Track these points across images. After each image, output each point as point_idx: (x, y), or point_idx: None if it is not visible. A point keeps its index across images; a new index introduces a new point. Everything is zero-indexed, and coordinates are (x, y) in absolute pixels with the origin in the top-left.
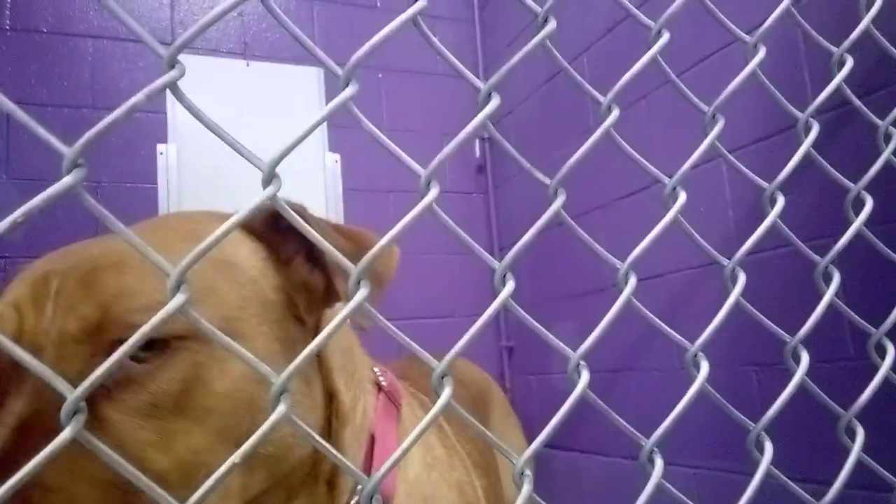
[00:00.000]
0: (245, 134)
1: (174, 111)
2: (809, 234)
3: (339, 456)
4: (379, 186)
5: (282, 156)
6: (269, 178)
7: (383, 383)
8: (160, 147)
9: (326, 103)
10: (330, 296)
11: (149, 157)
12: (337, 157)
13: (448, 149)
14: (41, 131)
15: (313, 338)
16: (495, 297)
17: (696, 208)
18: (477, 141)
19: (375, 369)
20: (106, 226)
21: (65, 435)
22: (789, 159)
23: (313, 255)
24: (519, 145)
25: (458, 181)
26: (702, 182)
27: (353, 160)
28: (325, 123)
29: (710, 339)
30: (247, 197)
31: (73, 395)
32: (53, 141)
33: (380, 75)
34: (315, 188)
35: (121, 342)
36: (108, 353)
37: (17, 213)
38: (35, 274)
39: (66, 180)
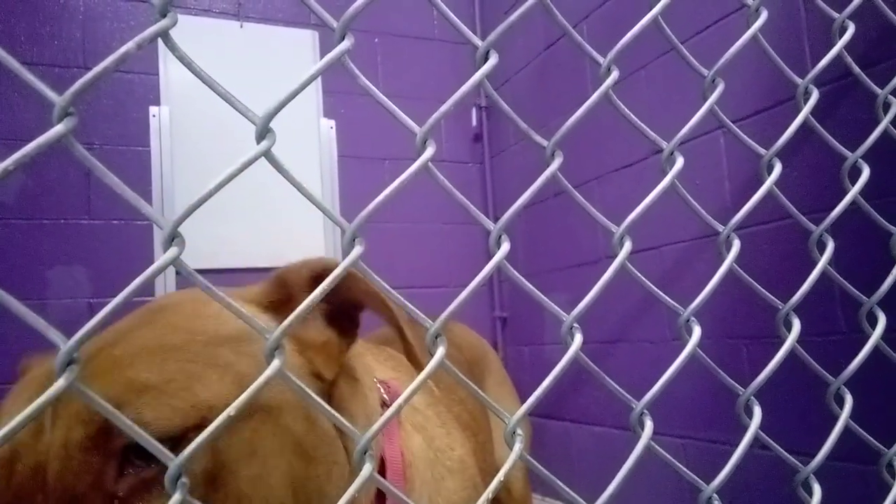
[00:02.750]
0: (237, 97)
1: (167, 73)
2: (806, 208)
3: (336, 414)
4: (374, 153)
5: (276, 109)
6: (263, 132)
7: (387, 399)
8: (153, 109)
9: None
10: (345, 346)
11: (141, 120)
12: (332, 123)
13: (444, 107)
14: (31, 77)
15: (333, 388)
16: (490, 260)
17: (692, 181)
18: (474, 109)
19: (380, 386)
20: (96, 192)
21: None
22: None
23: (329, 313)
24: (515, 114)
25: (454, 150)
26: (699, 155)
27: (348, 127)
28: (319, 89)
29: (702, 304)
30: (240, 157)
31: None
32: (44, 89)
33: (376, 40)
34: (309, 154)
35: (130, 447)
36: (121, 459)
37: (9, 161)
38: (32, 380)
39: (58, 128)
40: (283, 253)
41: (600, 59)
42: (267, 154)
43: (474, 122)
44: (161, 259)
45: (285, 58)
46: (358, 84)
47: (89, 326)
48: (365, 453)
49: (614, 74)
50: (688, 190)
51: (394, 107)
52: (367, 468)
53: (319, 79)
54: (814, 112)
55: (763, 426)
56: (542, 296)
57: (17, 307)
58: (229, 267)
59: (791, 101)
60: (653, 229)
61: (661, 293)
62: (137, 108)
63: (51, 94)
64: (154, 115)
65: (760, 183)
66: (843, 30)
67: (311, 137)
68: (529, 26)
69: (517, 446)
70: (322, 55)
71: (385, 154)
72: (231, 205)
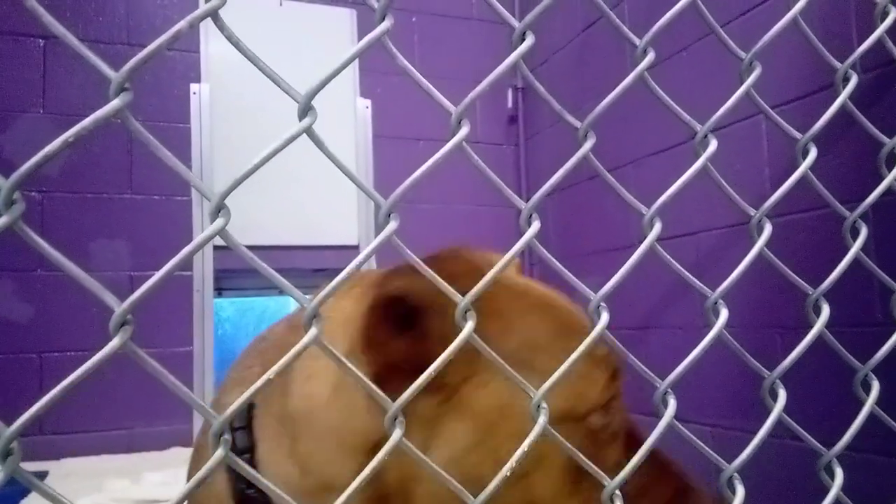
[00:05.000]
0: (279, 74)
1: (207, 50)
2: (846, 197)
3: (357, 372)
4: (409, 134)
5: (319, 87)
6: (306, 109)
7: None
8: (193, 87)
9: None
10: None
11: (182, 97)
12: (368, 102)
13: (480, 87)
14: (88, 53)
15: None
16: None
17: (731, 166)
18: (509, 91)
19: None
20: (138, 167)
21: None
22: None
23: None
24: (552, 96)
25: (488, 132)
26: (739, 139)
27: (384, 106)
28: (356, 68)
29: (731, 287)
30: (279, 134)
31: None
32: (101, 65)
33: (413, 19)
34: (345, 134)
35: None
36: None
37: (69, 133)
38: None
39: (115, 103)
40: (316, 232)
41: (636, 40)
42: (308, 131)
43: (510, 104)
44: (209, 229)
45: (324, 36)
46: (394, 64)
47: (143, 290)
48: (395, 420)
49: (650, 56)
50: (727, 175)
51: (430, 86)
52: (397, 434)
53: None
54: (859, 99)
55: (791, 416)
56: (571, 275)
57: (76, 272)
58: (263, 244)
59: (832, 87)
60: (690, 215)
61: (689, 275)
62: (178, 86)
63: (108, 70)
64: (195, 93)
65: (797, 168)
66: (884, 14)
67: (346, 116)
68: (568, 6)
69: (542, 419)
70: (360, 34)
71: (420, 135)
72: (265, 182)
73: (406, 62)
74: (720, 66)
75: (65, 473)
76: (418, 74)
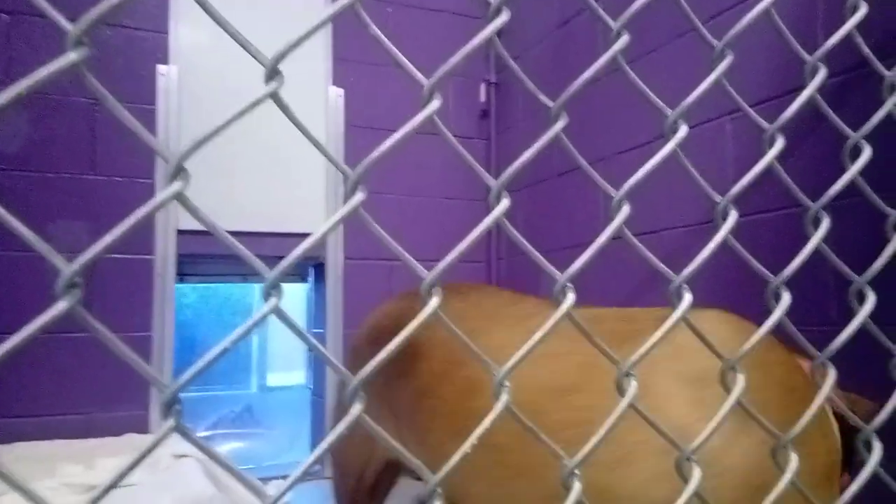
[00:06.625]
0: (246, 58)
1: (177, 32)
2: (809, 195)
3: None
4: (382, 124)
5: (286, 50)
6: (272, 73)
7: None
8: (161, 68)
9: (333, 33)
10: None
11: (149, 79)
12: (340, 91)
13: (453, 60)
14: (44, 4)
15: None
16: (492, 237)
17: (696, 166)
18: (482, 85)
19: None
20: (101, 147)
21: None
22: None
23: None
24: (526, 91)
25: (460, 125)
26: (704, 141)
27: (357, 95)
28: (329, 55)
29: (695, 272)
30: (246, 119)
31: None
32: (57, 17)
33: (389, 9)
34: (317, 122)
35: None
36: None
37: (22, 85)
38: None
39: (71, 56)
40: (282, 219)
41: (612, 23)
42: (274, 95)
43: (483, 98)
44: (165, 192)
45: (296, 19)
46: (368, 52)
47: (91, 254)
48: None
49: (625, 38)
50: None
51: (400, 56)
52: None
53: (330, 45)
54: (827, 102)
55: None
56: (539, 255)
57: (25, 232)
58: (227, 230)
59: (803, 89)
60: (653, 213)
61: (654, 258)
62: (146, 67)
63: (65, 23)
64: (163, 74)
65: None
66: (854, 9)
67: (319, 105)
68: (544, 1)
69: (504, 397)
70: (333, 18)
71: (393, 125)
72: (232, 168)
73: (378, 31)
74: (691, 66)
75: (16, 457)
76: (389, 43)
